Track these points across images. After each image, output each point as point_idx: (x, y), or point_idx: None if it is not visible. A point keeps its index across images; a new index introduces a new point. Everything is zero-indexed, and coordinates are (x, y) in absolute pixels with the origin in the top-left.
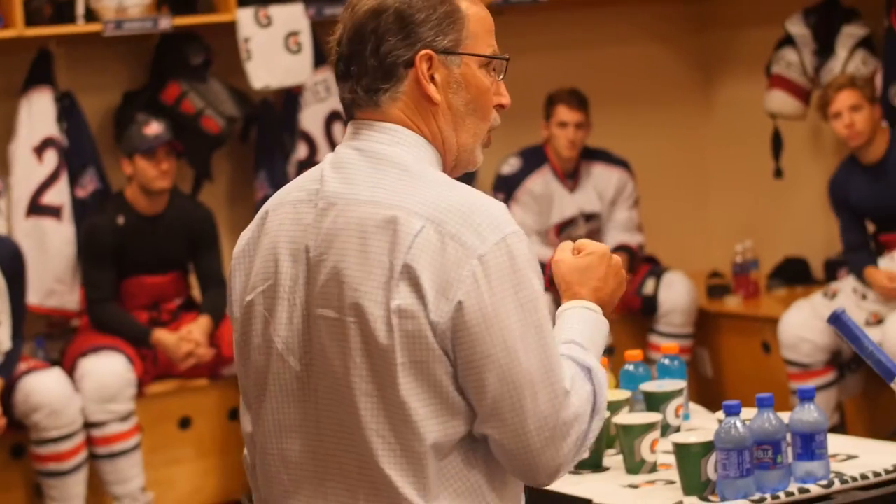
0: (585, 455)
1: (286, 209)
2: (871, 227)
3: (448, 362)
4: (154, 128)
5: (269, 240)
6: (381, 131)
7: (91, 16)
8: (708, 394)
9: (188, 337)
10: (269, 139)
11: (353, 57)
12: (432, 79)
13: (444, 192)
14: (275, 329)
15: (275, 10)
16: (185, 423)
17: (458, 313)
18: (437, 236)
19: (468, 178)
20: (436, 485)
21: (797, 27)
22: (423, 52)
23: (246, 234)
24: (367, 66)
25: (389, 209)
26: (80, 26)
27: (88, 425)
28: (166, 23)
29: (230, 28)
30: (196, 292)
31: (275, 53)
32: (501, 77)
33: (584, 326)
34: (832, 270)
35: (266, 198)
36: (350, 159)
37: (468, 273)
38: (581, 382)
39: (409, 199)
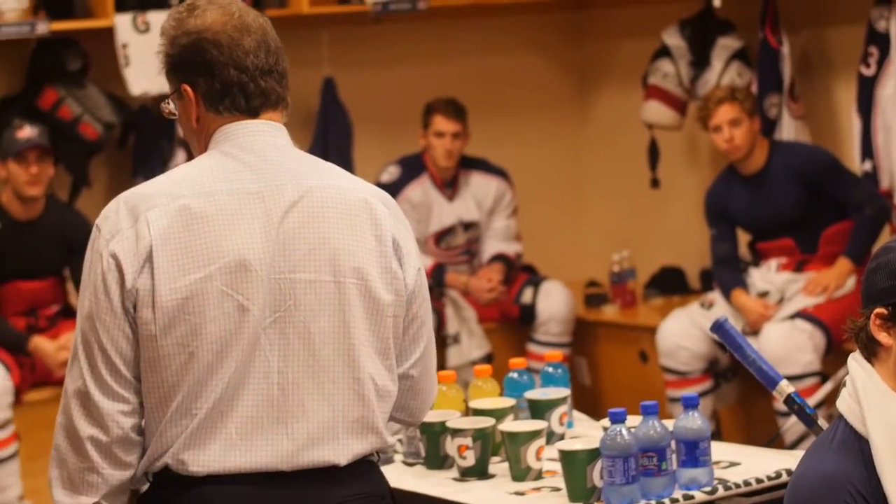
0: None
1: (221, 199)
2: (747, 237)
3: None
4: (26, 131)
5: (209, 226)
6: (281, 130)
7: None
8: (586, 402)
9: (67, 345)
10: (147, 146)
11: (276, 57)
12: None
13: (360, 180)
14: (243, 294)
15: (153, 16)
16: None
17: (418, 277)
18: (393, 212)
19: None
20: (385, 418)
21: (673, 39)
22: None
23: (160, 223)
24: (283, 70)
25: (358, 192)
26: None
27: None
28: (43, 28)
29: (108, 34)
30: (74, 298)
31: (153, 59)
32: None
33: None
34: (708, 280)
35: None
36: (279, 155)
37: (413, 246)
38: None
39: (358, 185)
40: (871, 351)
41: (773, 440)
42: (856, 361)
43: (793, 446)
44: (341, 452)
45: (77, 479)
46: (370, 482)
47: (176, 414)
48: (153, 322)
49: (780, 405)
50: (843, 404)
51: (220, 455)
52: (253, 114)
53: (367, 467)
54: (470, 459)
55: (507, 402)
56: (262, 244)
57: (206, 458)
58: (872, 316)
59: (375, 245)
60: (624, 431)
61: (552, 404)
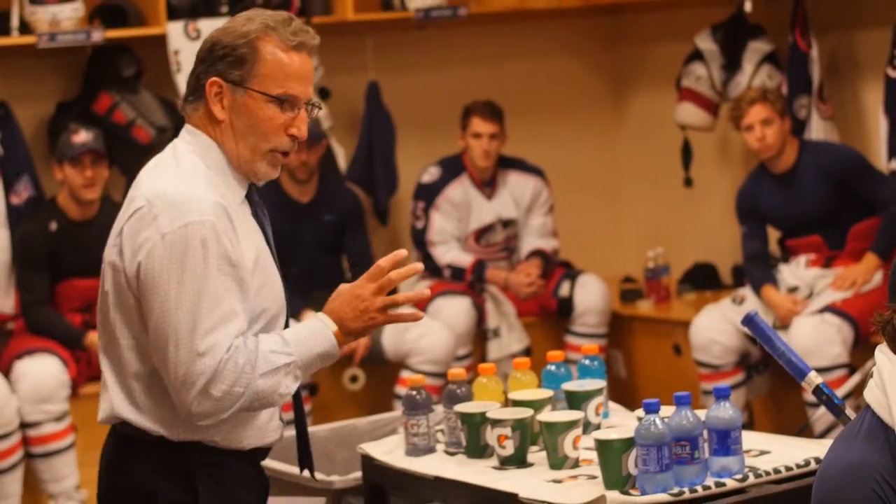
0: (223, 414)
1: None
2: (777, 234)
3: (139, 306)
4: (81, 136)
5: None
6: (189, 133)
7: (25, 28)
8: (622, 394)
9: None
10: None
11: (190, 74)
12: (222, 101)
13: (173, 183)
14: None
15: (204, 24)
16: None
17: (137, 271)
18: (148, 214)
19: (389, 187)
20: (143, 399)
21: (706, 42)
22: (212, 78)
23: None
24: (189, 82)
25: (136, 190)
26: (15, 38)
27: (24, 425)
28: (98, 35)
29: (161, 41)
30: None
31: None
32: (297, 112)
33: (301, 328)
34: (739, 276)
35: None
36: (164, 151)
37: (151, 244)
38: (238, 355)
39: (152, 184)
40: None
41: (803, 430)
42: (883, 353)
43: (822, 436)
44: (100, 409)
45: None
46: (114, 448)
47: None
48: None
49: (809, 396)
50: (871, 395)
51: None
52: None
53: (120, 437)
54: (509, 448)
55: (546, 393)
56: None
57: None
58: None
59: (114, 238)
60: (658, 421)
61: (589, 395)
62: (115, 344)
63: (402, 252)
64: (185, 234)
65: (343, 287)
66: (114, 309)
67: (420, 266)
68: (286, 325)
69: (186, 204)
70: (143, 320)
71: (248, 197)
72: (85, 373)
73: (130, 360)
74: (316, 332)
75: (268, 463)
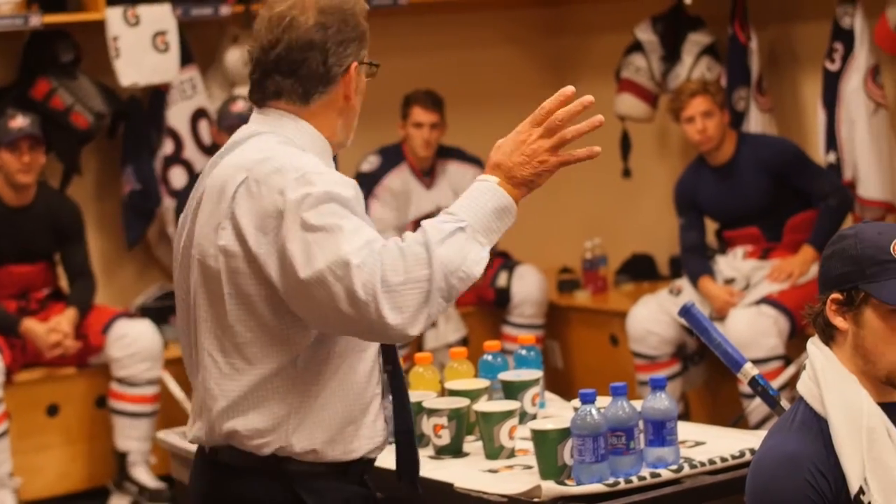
0: (427, 309)
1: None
2: (714, 225)
3: (269, 291)
4: (18, 121)
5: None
6: (294, 121)
7: None
8: (559, 384)
9: (56, 328)
10: (136, 135)
11: (303, 62)
12: (357, 85)
13: (271, 152)
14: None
15: (143, 10)
16: (52, 410)
17: (261, 239)
18: (254, 184)
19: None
20: (247, 403)
21: (645, 34)
22: (355, 63)
23: None
24: (314, 71)
25: (235, 170)
26: None
27: None
28: (36, 20)
29: (99, 26)
30: (64, 282)
31: (142, 52)
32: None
33: (462, 196)
34: (677, 267)
35: (133, 192)
36: (257, 135)
37: (278, 203)
38: (399, 240)
39: (245, 157)
40: (829, 335)
41: (738, 421)
42: (815, 345)
43: (757, 427)
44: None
45: None
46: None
47: None
48: None
49: (744, 387)
50: (803, 386)
51: None
52: (256, 106)
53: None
54: (445, 438)
55: (482, 383)
56: (186, 216)
57: None
58: (829, 301)
59: (217, 221)
60: (594, 411)
61: (525, 385)
62: (229, 340)
63: (570, 89)
64: (305, 183)
65: (501, 141)
66: (231, 300)
67: (600, 118)
68: None
69: (293, 161)
70: (270, 303)
71: None
72: (19, 360)
73: (254, 355)
74: (480, 190)
75: None
